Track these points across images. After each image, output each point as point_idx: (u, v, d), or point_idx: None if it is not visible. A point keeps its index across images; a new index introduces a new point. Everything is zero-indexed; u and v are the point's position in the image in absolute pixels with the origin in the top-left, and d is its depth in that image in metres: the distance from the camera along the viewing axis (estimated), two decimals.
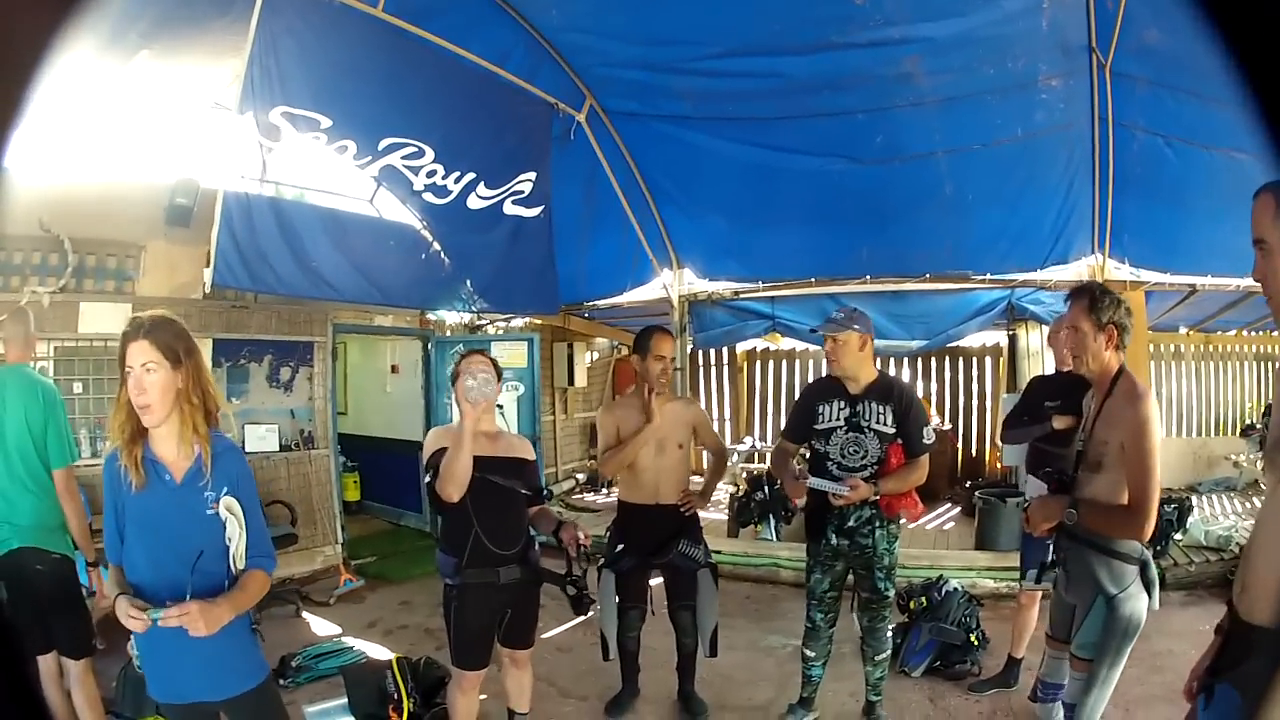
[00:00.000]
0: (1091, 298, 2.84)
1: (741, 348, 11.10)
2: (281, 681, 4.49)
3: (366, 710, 4.04)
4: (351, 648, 5.02)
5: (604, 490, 10.00)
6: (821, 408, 3.75)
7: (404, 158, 5.41)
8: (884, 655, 3.88)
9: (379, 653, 4.97)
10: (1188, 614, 5.28)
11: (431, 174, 5.49)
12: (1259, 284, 1.76)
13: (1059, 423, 4.19)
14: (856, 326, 3.69)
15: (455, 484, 3.12)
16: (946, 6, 5.23)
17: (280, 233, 4.82)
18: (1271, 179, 5.14)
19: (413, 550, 7.76)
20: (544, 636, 3.75)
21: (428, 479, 3.27)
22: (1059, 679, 3.13)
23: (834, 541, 3.70)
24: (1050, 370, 4.99)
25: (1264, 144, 0.98)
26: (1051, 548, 3.15)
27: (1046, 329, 5.11)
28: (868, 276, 7.30)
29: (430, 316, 8.55)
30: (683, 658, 4.16)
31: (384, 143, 5.31)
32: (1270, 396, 10.24)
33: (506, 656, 3.56)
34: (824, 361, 3.84)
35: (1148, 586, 2.77)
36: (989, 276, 7.11)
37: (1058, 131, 6.16)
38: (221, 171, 4.62)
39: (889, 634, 3.89)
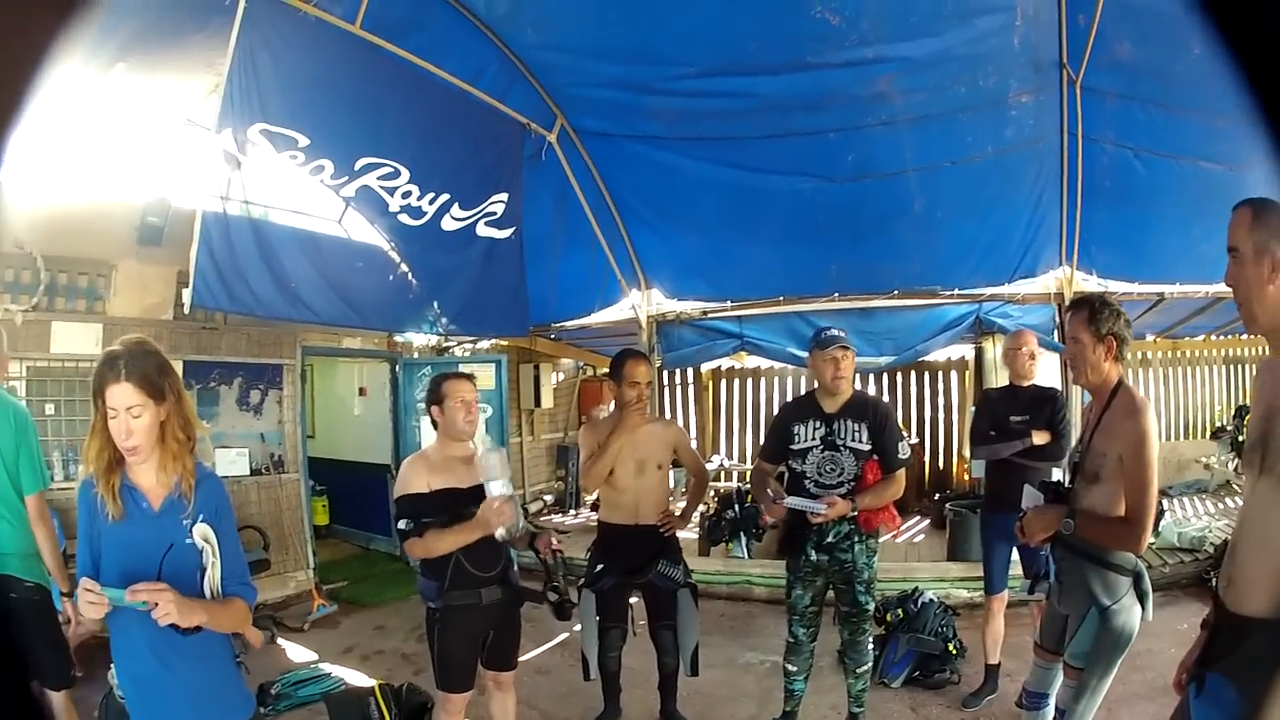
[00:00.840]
0: (1091, 309, 2.86)
1: (706, 367, 11.18)
2: (261, 710, 4.46)
3: None
4: (330, 674, 5.02)
5: (573, 511, 10.12)
6: (797, 428, 3.85)
7: (380, 178, 5.42)
8: (865, 667, 3.98)
9: (358, 679, 5.00)
10: (1164, 614, 5.42)
11: (407, 195, 5.52)
12: (1230, 289, 1.95)
13: (1039, 438, 4.39)
14: (853, 345, 3.86)
15: (433, 555, 3.29)
16: (921, 26, 5.40)
17: (259, 253, 4.80)
18: (1237, 184, 5.37)
19: (384, 574, 7.81)
20: (523, 659, 3.78)
21: (401, 525, 3.28)
22: (1045, 688, 3.19)
23: (814, 557, 3.79)
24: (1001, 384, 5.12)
25: (1264, 143, 1.03)
26: (1046, 558, 3.22)
27: (1002, 344, 5.25)
28: (836, 294, 7.47)
29: (398, 339, 8.60)
30: (664, 677, 4.24)
31: (361, 162, 5.32)
32: (1241, 399, 10.57)
33: (490, 679, 3.61)
34: (789, 380, 3.96)
35: (1141, 598, 2.82)
36: (957, 291, 7.30)
37: (1027, 147, 6.36)
38: (199, 190, 4.58)
39: (869, 646, 4.00)
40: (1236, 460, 9.40)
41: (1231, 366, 10.91)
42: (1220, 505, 8.85)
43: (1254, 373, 10.28)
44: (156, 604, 1.97)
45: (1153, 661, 4.36)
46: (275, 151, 4.79)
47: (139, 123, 5.36)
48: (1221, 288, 6.61)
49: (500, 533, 3.20)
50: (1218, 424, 10.34)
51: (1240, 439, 9.11)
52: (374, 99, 5.35)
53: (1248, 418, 9.26)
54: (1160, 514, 6.83)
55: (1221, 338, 10.58)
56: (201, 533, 2.21)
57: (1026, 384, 4.58)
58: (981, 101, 5.93)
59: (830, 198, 6.67)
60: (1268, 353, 1.99)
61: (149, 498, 2.19)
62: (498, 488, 3.18)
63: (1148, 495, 2.64)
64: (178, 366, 6.36)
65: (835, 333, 3.87)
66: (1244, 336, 10.43)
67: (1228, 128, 6.01)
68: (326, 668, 5.18)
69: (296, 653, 5.80)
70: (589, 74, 6.13)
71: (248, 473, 6.92)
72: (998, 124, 6.14)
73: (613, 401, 4.18)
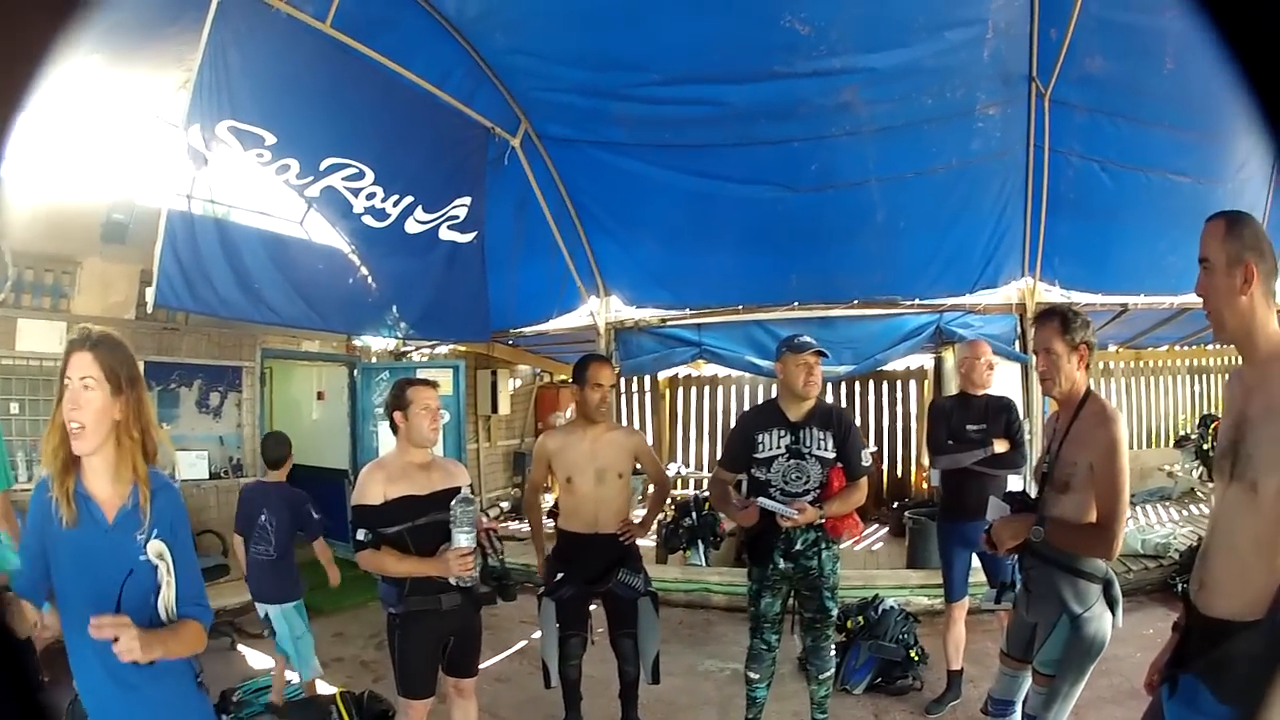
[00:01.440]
0: (1064, 319, 2.88)
1: (664, 375, 11.24)
2: (223, 717, 4.48)
3: None
4: (291, 682, 4.94)
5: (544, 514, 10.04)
6: (761, 437, 3.89)
7: (345, 179, 5.42)
8: (828, 674, 4.03)
9: (318, 686, 4.94)
10: (1130, 619, 5.49)
11: (371, 196, 5.52)
12: (1201, 299, 2.04)
13: (999, 446, 4.50)
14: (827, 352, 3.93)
15: (383, 574, 3.36)
16: (891, 38, 5.48)
17: (223, 252, 4.77)
18: (1205, 197, 5.47)
19: (343, 581, 7.65)
20: (483, 666, 3.78)
21: (359, 536, 3.30)
22: (1012, 696, 3.22)
23: (781, 565, 3.83)
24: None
25: (1265, 141, 1.04)
26: (1013, 567, 3.27)
27: (956, 354, 5.33)
28: (796, 303, 7.53)
29: (356, 343, 8.61)
30: (625, 685, 4.25)
31: (326, 162, 5.31)
32: (1206, 408, 10.80)
33: (451, 686, 3.61)
34: (747, 389, 4.01)
35: (1111, 605, 2.83)
36: (918, 301, 7.40)
37: (993, 159, 6.47)
38: (164, 188, 4.55)
39: (832, 652, 4.05)
40: (1201, 468, 9.61)
41: (1196, 376, 11.16)
42: (1184, 512, 9.05)
43: (1221, 382, 10.58)
44: (118, 639, 1.86)
45: (1119, 666, 4.43)
46: (242, 149, 4.77)
47: (108, 117, 5.33)
48: (1187, 299, 6.93)
49: (454, 581, 3.29)
50: (1181, 433, 10.56)
51: (1205, 447, 9.32)
52: (341, 99, 5.35)
53: (1214, 425, 9.51)
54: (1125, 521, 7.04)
55: (1186, 348, 10.83)
56: (156, 550, 2.10)
57: (980, 393, 4.68)
58: (948, 113, 6.02)
59: (792, 207, 6.74)
60: (1238, 362, 2.06)
61: (103, 508, 2.08)
62: (464, 539, 3.23)
63: (1119, 503, 2.67)
64: (139, 368, 6.33)
65: (808, 339, 3.90)
66: (1209, 347, 10.68)
67: (1198, 142, 6.19)
68: (288, 675, 5.13)
69: (257, 659, 5.76)
70: (555, 79, 6.16)
71: (206, 476, 6.89)
72: (963, 136, 6.24)
73: (573, 406, 4.21)
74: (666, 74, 5.80)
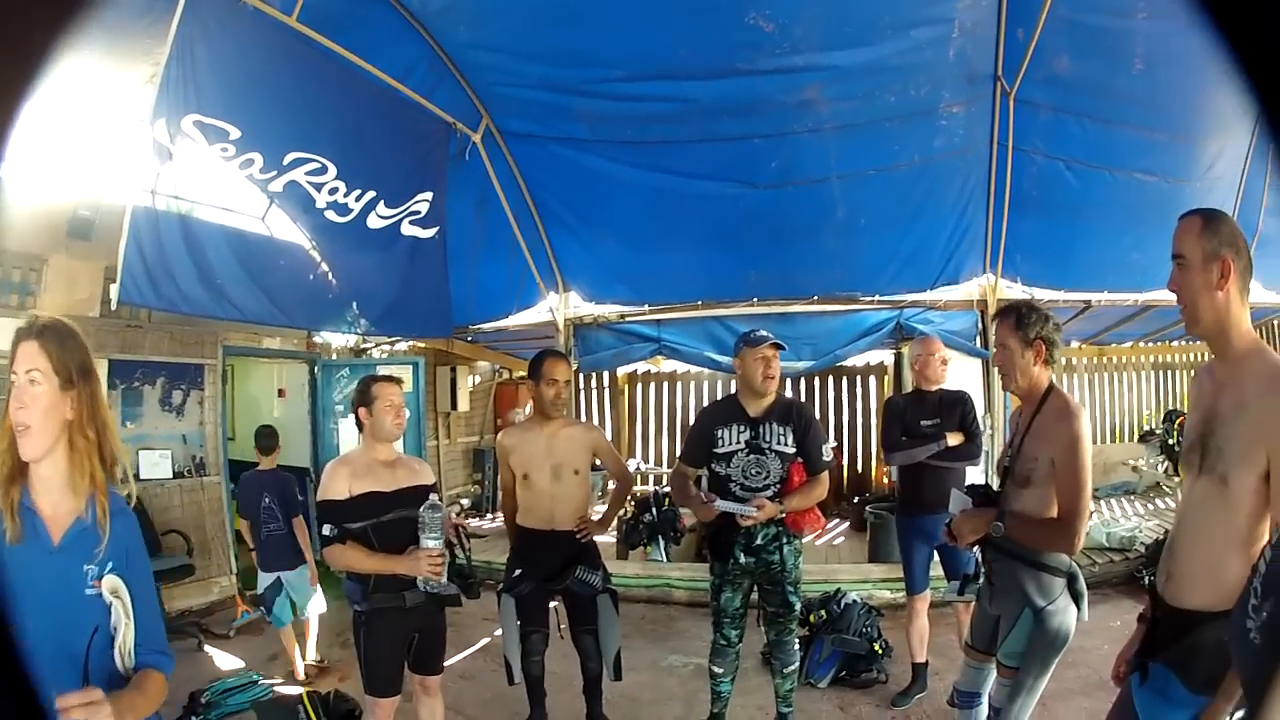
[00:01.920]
0: (1018, 315, 2.89)
1: (623, 370, 11.25)
2: (193, 719, 4.49)
3: None
4: (257, 681, 5.00)
5: (490, 515, 10.13)
6: (721, 432, 3.91)
7: (308, 174, 5.37)
8: (792, 667, 4.07)
9: (285, 686, 5.01)
10: (1097, 611, 5.59)
11: (334, 191, 5.47)
12: (1174, 294, 2.07)
13: (953, 440, 4.56)
14: (784, 345, 3.97)
15: (349, 570, 3.39)
16: (856, 36, 5.50)
17: (186, 249, 4.72)
18: (1172, 195, 5.54)
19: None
20: (447, 664, 3.81)
21: (325, 531, 3.33)
22: (977, 687, 3.24)
23: (742, 560, 3.86)
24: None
25: (1267, 141, 1.05)
26: (976, 560, 3.27)
27: (909, 351, 5.38)
28: (755, 299, 7.60)
29: (316, 339, 8.58)
30: (588, 681, 4.25)
31: (290, 157, 5.26)
32: (1171, 403, 10.97)
33: (417, 684, 3.63)
34: (706, 384, 4.03)
35: (1076, 598, 2.85)
36: (878, 298, 7.47)
37: (955, 156, 6.53)
38: (130, 183, 4.50)
39: (795, 646, 4.09)
40: (1166, 463, 9.77)
41: (1161, 372, 11.34)
42: (1149, 506, 9.20)
43: (1186, 378, 10.76)
44: None
45: (1087, 658, 4.52)
46: (207, 143, 4.72)
47: (77, 112, 5.25)
48: (1151, 295, 7.02)
49: (421, 582, 3.33)
50: (1146, 428, 10.72)
51: (1171, 442, 9.47)
52: (306, 93, 5.31)
53: (1179, 421, 9.66)
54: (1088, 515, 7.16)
55: (1151, 344, 11.00)
56: (111, 586, 1.79)
57: (934, 388, 4.74)
58: (911, 111, 6.06)
59: (753, 203, 6.78)
60: (1204, 358, 2.10)
61: (49, 527, 1.78)
62: (433, 544, 3.30)
63: (1081, 498, 2.69)
64: (103, 366, 6.27)
65: (764, 332, 3.94)
66: (1174, 343, 10.86)
67: (1167, 142, 6.29)
68: (254, 675, 5.14)
69: (224, 660, 5.78)
70: (517, 74, 6.14)
71: (170, 475, 6.83)
72: (926, 133, 6.29)
73: (530, 403, 4.21)
74: (629, 70, 5.80)
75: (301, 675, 5.30)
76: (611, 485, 5.00)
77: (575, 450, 4.10)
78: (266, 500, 5.32)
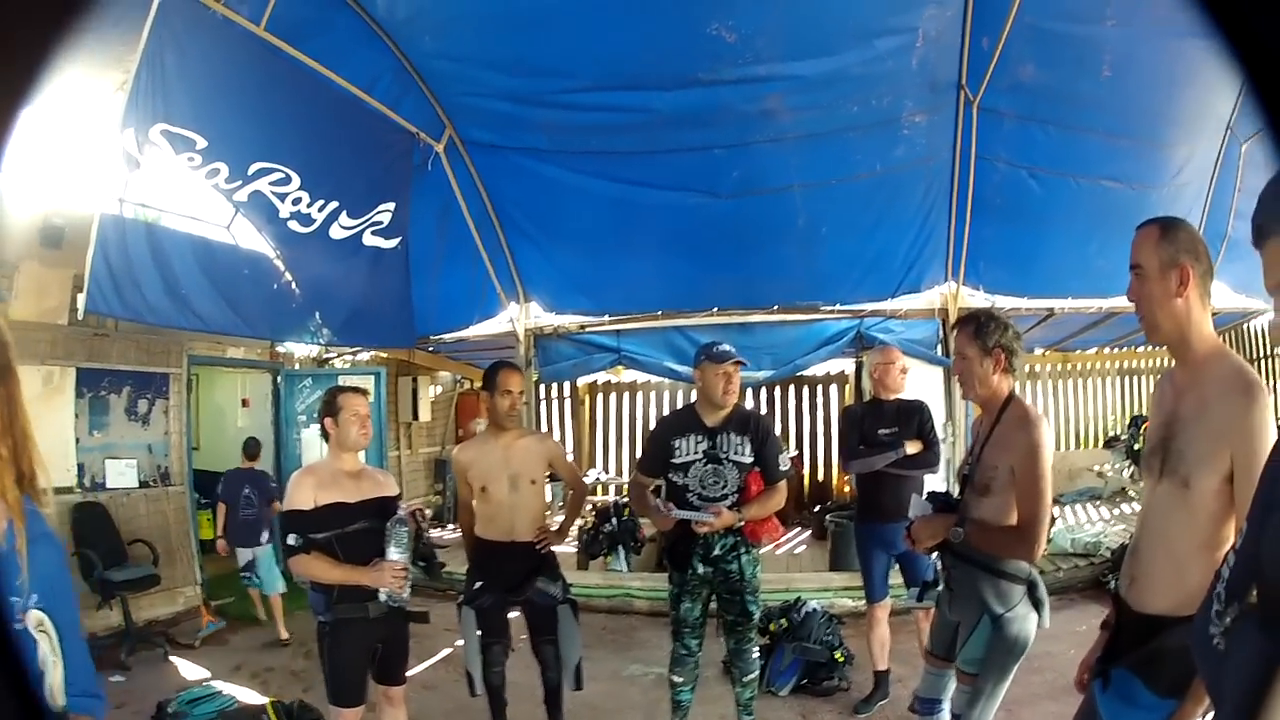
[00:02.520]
0: (977, 324, 2.88)
1: (583, 380, 11.26)
2: None
3: None
4: (221, 692, 4.94)
5: (451, 525, 10.02)
6: (678, 442, 3.89)
7: (272, 183, 5.35)
8: (752, 676, 4.04)
9: (250, 697, 4.96)
10: (1062, 617, 5.64)
11: (297, 201, 5.44)
12: (1133, 303, 2.07)
13: (912, 448, 4.57)
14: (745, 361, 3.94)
15: (314, 580, 3.37)
16: (818, 46, 5.51)
17: (152, 258, 4.72)
18: (1137, 202, 5.57)
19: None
20: (409, 674, 3.81)
21: (290, 541, 3.33)
22: (938, 694, 3.21)
23: (700, 570, 3.84)
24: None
25: (1267, 140, 1.03)
26: (935, 567, 3.29)
27: (868, 360, 5.40)
28: (716, 309, 7.59)
29: (280, 349, 8.51)
30: (549, 691, 4.22)
31: (254, 167, 5.26)
32: (1136, 409, 11.08)
33: (381, 695, 3.63)
34: (666, 394, 4.02)
35: (1037, 605, 2.82)
36: (838, 307, 7.49)
37: (918, 165, 6.54)
38: (99, 192, 4.49)
39: (755, 655, 4.06)
40: (1132, 467, 9.84)
41: (1126, 378, 11.46)
42: (1115, 511, 9.25)
43: (1151, 384, 10.88)
44: None
45: (1053, 663, 4.48)
46: (174, 153, 4.71)
47: (50, 118, 5.21)
48: (1115, 302, 7.05)
49: (384, 595, 3.36)
50: (1111, 433, 10.82)
51: (1136, 447, 9.54)
52: (272, 103, 5.31)
53: (1145, 426, 9.75)
54: (1051, 521, 7.21)
55: (1117, 350, 11.10)
56: (36, 621, 1.57)
57: (892, 398, 4.73)
58: (873, 121, 6.07)
59: (714, 213, 6.77)
60: (1169, 364, 2.10)
61: None
62: (398, 556, 3.36)
63: (1041, 506, 2.67)
64: (70, 374, 6.24)
65: (727, 348, 3.92)
66: (1139, 349, 10.97)
67: (1133, 149, 6.35)
68: (219, 685, 5.10)
69: (189, 670, 5.75)
70: (481, 84, 6.11)
71: (136, 485, 6.79)
72: (888, 142, 6.30)
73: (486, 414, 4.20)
74: (590, 80, 5.79)
75: (285, 635, 6.29)
76: (568, 495, 4.99)
77: (532, 460, 4.08)
78: (246, 490, 6.56)
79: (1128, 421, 10.67)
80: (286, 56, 5.31)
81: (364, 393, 3.65)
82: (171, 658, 5.95)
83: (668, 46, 5.47)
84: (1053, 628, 2.94)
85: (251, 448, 6.82)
